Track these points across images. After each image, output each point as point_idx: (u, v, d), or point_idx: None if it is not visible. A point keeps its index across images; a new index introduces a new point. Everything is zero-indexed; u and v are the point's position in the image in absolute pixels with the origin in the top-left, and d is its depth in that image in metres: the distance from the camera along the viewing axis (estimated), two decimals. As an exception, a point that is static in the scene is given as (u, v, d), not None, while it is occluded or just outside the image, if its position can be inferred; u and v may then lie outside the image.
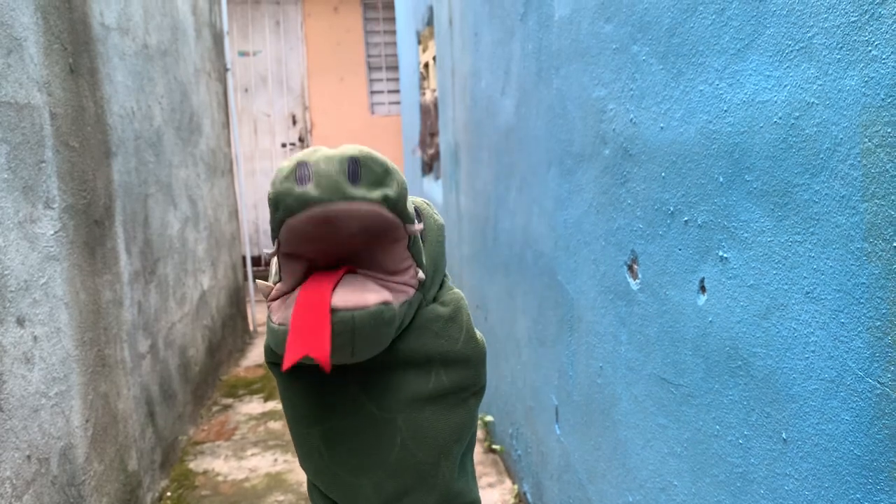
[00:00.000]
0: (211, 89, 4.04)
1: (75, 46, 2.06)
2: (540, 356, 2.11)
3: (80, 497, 1.92)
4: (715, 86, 1.06)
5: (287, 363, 0.36)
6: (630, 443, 1.45)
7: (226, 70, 4.56)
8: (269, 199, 0.38)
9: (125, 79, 2.51)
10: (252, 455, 2.99)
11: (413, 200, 0.48)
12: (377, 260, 0.41)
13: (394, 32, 7.02)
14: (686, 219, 1.16)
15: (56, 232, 1.86)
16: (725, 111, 1.03)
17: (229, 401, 3.61)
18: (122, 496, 2.24)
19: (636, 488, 1.43)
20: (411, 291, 0.42)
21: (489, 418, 2.95)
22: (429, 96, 4.54)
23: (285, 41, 7.06)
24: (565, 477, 1.91)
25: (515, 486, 2.53)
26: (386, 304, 0.39)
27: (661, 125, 1.22)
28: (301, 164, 0.37)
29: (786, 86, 0.89)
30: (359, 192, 0.37)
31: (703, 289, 1.13)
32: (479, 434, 2.95)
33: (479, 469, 2.74)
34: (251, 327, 4.94)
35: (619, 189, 1.42)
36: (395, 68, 7.08)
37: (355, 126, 7.07)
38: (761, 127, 0.95)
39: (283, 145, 7.19)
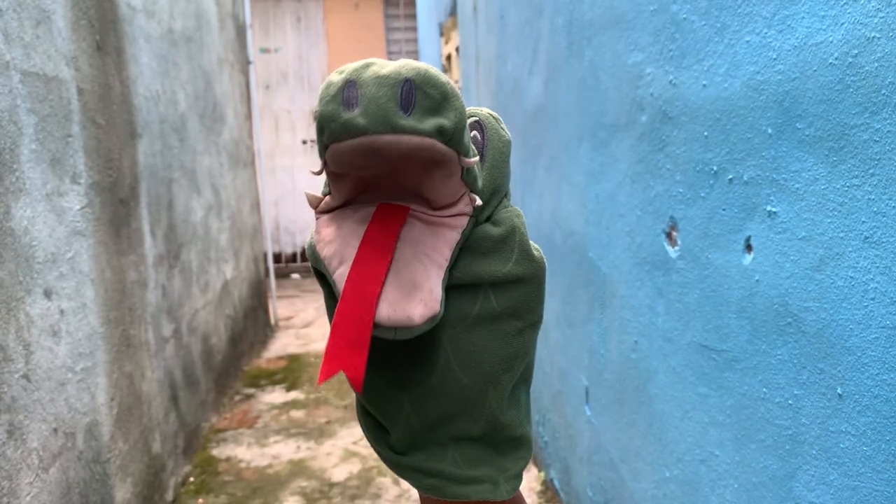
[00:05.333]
0: (234, 80, 4.05)
1: (102, 24, 2.06)
2: (569, 338, 2.07)
3: (106, 475, 1.90)
4: (763, 35, 1.02)
5: (322, 378, 0.34)
6: (667, 416, 1.41)
7: (248, 63, 4.57)
8: (315, 118, 0.35)
9: (150, 61, 2.51)
10: (275, 442, 2.97)
11: (478, 112, 0.43)
12: (428, 193, 0.37)
13: (415, 29, 7.01)
14: (731, 177, 1.12)
15: (82, 207, 1.85)
16: (775, 59, 0.99)
17: (251, 390, 3.60)
18: (146, 478, 2.22)
19: (673, 463, 1.39)
20: (464, 221, 0.38)
21: (514, 407, 2.91)
22: (451, 88, 4.51)
23: (306, 38, 7.08)
24: (596, 458, 1.87)
25: (542, 474, 2.49)
26: (432, 318, 0.35)
27: (704, 83, 1.19)
28: (349, 84, 0.33)
29: (843, 24, 0.86)
30: (409, 122, 0.33)
31: (748, 248, 1.09)
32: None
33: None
34: (272, 321, 4.93)
35: (656, 155, 1.39)
36: (415, 65, 7.06)
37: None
38: (815, 71, 0.91)
39: (304, 142, 7.20)
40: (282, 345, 4.49)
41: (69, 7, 1.82)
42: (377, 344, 0.39)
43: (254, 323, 4.29)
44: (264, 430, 3.11)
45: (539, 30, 2.17)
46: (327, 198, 0.39)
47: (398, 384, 0.39)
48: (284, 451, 2.90)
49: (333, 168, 0.36)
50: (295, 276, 7.03)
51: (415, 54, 7.05)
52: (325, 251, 0.38)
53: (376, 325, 0.34)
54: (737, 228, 1.12)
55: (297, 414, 3.28)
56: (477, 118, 0.42)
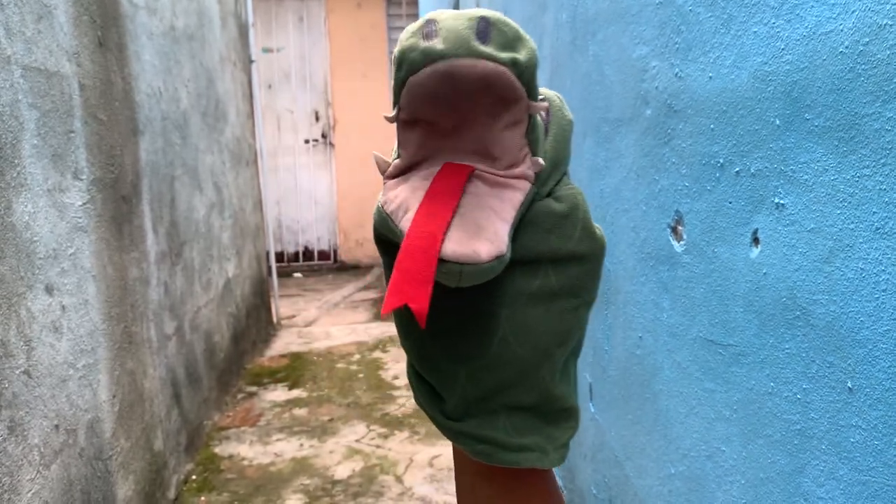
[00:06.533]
0: (236, 79, 4.04)
1: (104, 20, 2.05)
2: (572, 335, 2.06)
3: (108, 472, 1.90)
4: (770, 25, 1.01)
5: (385, 310, 0.34)
6: (672, 412, 1.40)
7: (250, 62, 4.56)
8: (394, 57, 0.36)
9: (152, 58, 2.50)
10: (277, 440, 2.97)
11: (545, 93, 0.44)
12: (491, 147, 0.37)
13: (417, 28, 6.99)
14: (737, 169, 1.11)
15: (84, 203, 1.84)
16: (783, 49, 0.98)
17: (254, 388, 3.60)
18: (148, 475, 2.22)
19: (679, 459, 1.38)
20: (527, 185, 0.38)
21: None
22: (453, 87, 4.50)
23: (308, 37, 7.07)
24: (600, 456, 1.86)
25: (545, 472, 2.48)
26: (499, 257, 0.35)
27: (710, 75, 1.18)
28: (429, 21, 0.35)
29: (853, 11, 0.85)
30: (486, 49, 0.34)
31: (755, 241, 1.08)
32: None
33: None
34: (275, 319, 4.92)
35: (662, 149, 1.37)
36: (417, 64, 7.05)
37: (379, 122, 7.03)
38: (824, 60, 0.90)
39: (307, 141, 7.19)
40: (284, 343, 4.49)
41: (71, 2, 1.82)
42: (436, 316, 0.40)
43: (256, 321, 4.29)
44: (267, 427, 3.11)
45: (543, 26, 2.16)
46: (396, 162, 0.40)
47: (456, 357, 0.40)
48: (287, 448, 2.89)
49: (406, 109, 0.37)
50: (297, 275, 7.03)
51: (417, 53, 7.03)
52: (391, 207, 0.38)
53: (441, 262, 0.34)
54: (744, 221, 1.10)
55: (299, 412, 3.27)
56: (543, 97, 0.43)
